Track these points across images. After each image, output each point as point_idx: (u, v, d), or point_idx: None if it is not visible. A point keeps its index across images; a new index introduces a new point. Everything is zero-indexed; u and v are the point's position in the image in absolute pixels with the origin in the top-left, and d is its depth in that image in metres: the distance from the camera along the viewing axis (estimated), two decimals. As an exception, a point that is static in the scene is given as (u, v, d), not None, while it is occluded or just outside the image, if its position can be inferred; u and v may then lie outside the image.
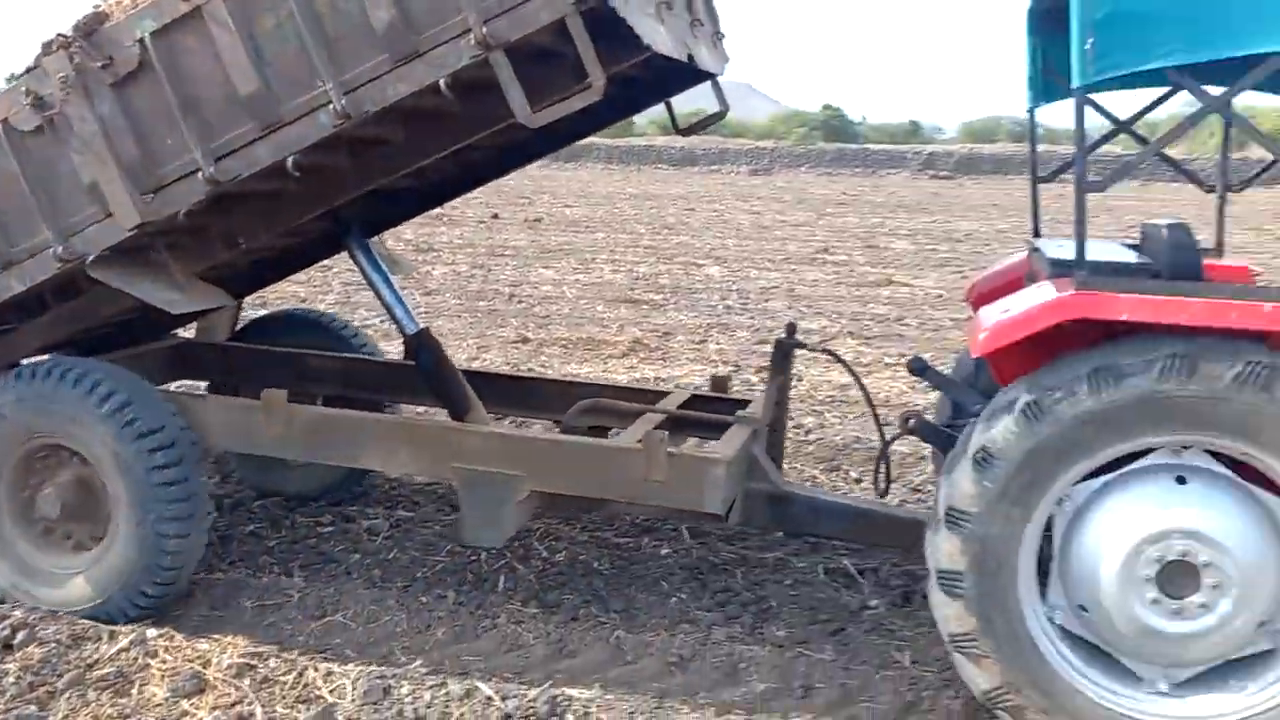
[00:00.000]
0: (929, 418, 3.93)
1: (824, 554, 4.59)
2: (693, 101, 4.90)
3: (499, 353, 8.41)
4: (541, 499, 3.90)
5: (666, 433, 3.73)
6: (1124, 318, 2.90)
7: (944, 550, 3.09)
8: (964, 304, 4.29)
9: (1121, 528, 3.01)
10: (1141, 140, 4.32)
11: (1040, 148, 4.25)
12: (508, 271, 12.79)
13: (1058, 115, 4.32)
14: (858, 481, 5.52)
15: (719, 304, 10.83)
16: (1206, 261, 3.93)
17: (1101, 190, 3.02)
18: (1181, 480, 3.03)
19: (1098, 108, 4.02)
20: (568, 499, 4.00)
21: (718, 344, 8.86)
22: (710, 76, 4.51)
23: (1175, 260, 3.32)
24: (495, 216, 18.53)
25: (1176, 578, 2.97)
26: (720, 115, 4.78)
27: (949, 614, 3.11)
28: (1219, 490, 3.01)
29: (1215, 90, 3.11)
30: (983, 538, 3.02)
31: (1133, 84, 3.60)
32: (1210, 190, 4.30)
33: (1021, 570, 3.05)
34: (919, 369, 3.80)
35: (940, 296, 11.31)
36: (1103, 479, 3.07)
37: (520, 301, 10.79)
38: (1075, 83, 2.92)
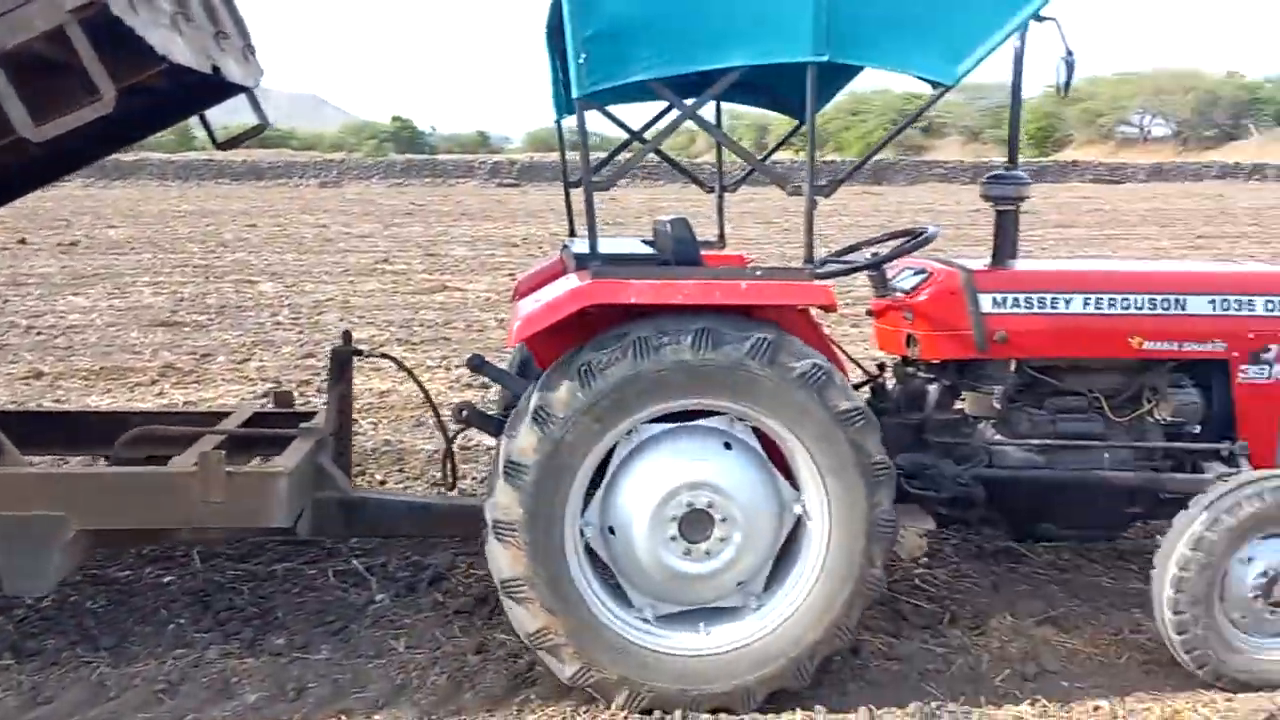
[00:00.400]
0: (486, 409, 4.19)
1: (337, 558, 4.64)
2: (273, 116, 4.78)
3: (5, 390, 7.62)
4: (92, 537, 3.66)
5: (223, 452, 3.65)
6: (631, 300, 3.28)
7: (520, 445, 3.31)
8: (510, 303, 4.60)
9: (668, 470, 3.41)
10: (661, 154, 4.84)
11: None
12: (30, 302, 11.54)
13: (599, 123, 4.77)
14: (382, 483, 5.63)
15: (268, 321, 10.49)
16: (710, 252, 4.55)
17: (605, 189, 3.39)
18: (728, 446, 3.48)
19: (611, 117, 4.49)
20: (123, 533, 3.79)
21: (260, 361, 8.62)
22: (244, 90, 4.45)
23: (679, 250, 3.81)
24: (22, 242, 16.66)
25: (694, 524, 3.40)
26: (259, 129, 4.71)
27: (503, 501, 3.33)
28: (751, 463, 3.48)
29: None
30: (558, 440, 3.28)
31: (630, 95, 4.03)
32: (710, 190, 4.95)
33: (578, 481, 3.35)
34: (477, 365, 4.03)
35: (489, 299, 11.76)
36: (667, 425, 3.45)
37: (39, 334, 9.79)
38: (574, 94, 3.26)
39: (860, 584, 3.42)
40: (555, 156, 35.53)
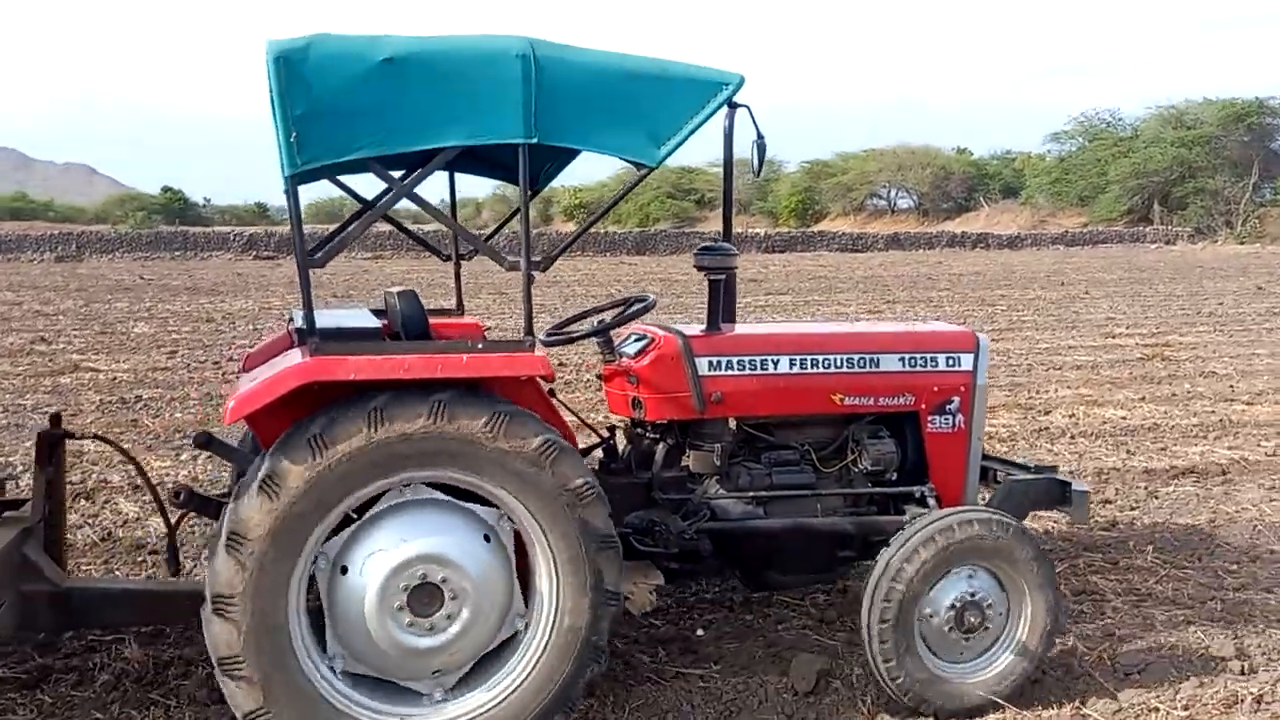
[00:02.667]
0: (205, 491, 4.06)
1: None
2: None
3: None
4: None
5: None
6: (351, 377, 3.27)
7: (245, 515, 3.22)
8: (237, 375, 4.46)
9: (369, 569, 3.39)
10: (394, 223, 4.93)
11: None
12: None
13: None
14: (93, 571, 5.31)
15: None
16: (447, 320, 4.63)
17: (321, 265, 3.41)
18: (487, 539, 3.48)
19: (345, 189, 4.53)
20: None
21: None
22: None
23: (407, 322, 3.87)
24: None
25: (425, 597, 3.41)
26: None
27: (223, 573, 3.23)
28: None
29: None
30: (286, 512, 3.22)
31: (350, 169, 4.09)
32: (447, 259, 5.04)
33: (304, 555, 3.29)
34: (204, 442, 3.92)
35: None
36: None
37: None
38: (285, 171, 3.25)
39: (584, 657, 3.53)
40: (324, 228, 35.24)
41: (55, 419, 4.12)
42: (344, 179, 4.49)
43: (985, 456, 4.74)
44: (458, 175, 4.91)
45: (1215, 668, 4.28)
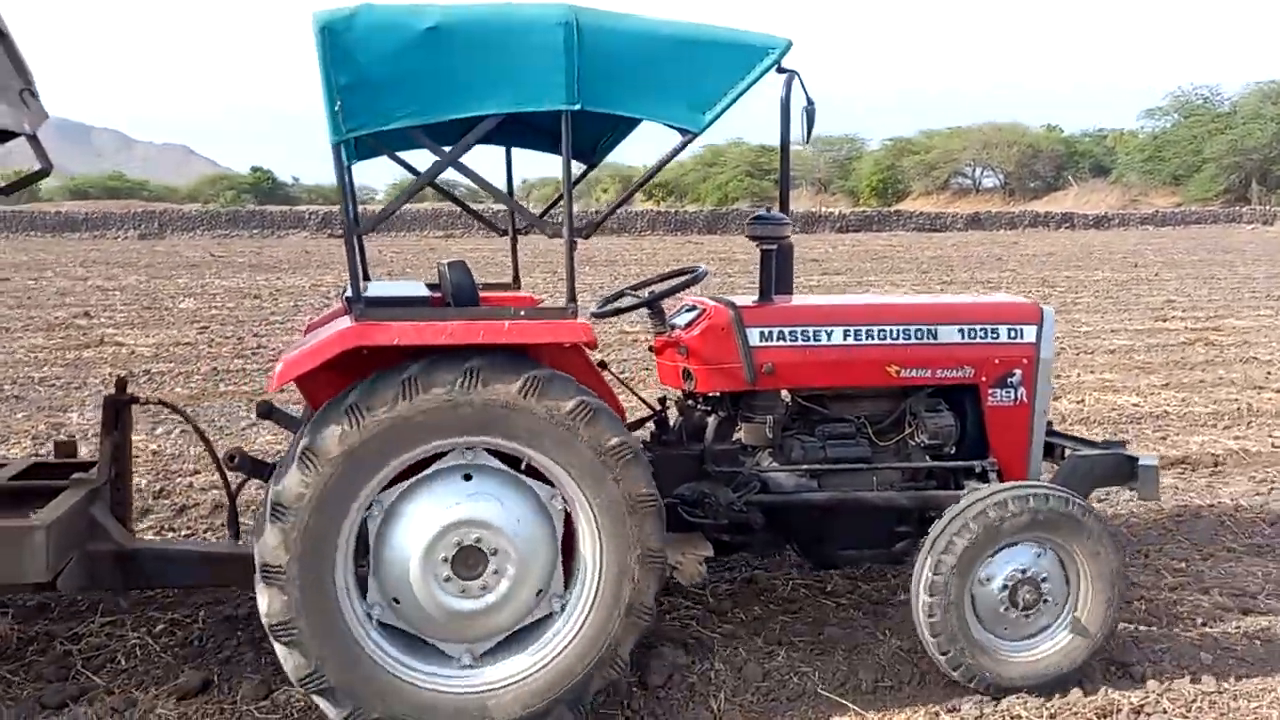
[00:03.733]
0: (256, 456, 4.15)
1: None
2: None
3: None
4: None
5: None
6: (395, 342, 3.31)
7: (287, 486, 3.27)
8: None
9: (421, 523, 3.44)
10: (446, 194, 4.95)
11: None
12: None
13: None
14: (160, 533, 5.44)
15: None
16: (502, 294, 4.66)
17: (365, 232, 3.43)
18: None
19: (400, 162, 4.55)
20: None
21: None
22: (16, 135, 4.32)
23: (457, 292, 3.90)
24: None
25: (469, 561, 3.44)
26: (41, 174, 4.59)
27: (270, 543, 3.28)
28: (498, 483, 3.52)
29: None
30: (325, 483, 3.26)
31: (399, 144, 4.12)
32: (504, 233, 5.06)
33: (347, 522, 3.33)
34: (266, 412, 4.02)
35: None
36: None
37: None
38: (330, 140, 3.27)
39: (631, 616, 3.52)
40: (411, 207, 35.59)
41: (120, 384, 4.24)
42: (405, 156, 4.53)
43: (1051, 432, 4.59)
44: (529, 153, 4.92)
45: (1109, 674, 4.05)
